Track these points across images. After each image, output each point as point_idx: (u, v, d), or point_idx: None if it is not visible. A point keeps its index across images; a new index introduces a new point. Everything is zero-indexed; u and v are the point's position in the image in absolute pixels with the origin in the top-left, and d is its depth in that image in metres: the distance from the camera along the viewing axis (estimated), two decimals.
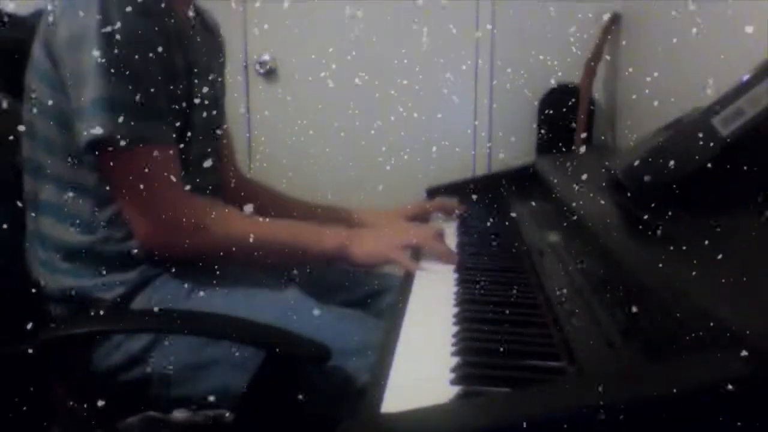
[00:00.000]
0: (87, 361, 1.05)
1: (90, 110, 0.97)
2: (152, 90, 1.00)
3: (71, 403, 1.06)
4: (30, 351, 0.94)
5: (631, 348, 0.64)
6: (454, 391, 0.64)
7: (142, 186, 1.01)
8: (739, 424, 0.44)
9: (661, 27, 1.74)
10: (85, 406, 1.07)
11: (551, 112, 2.25)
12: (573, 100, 2.15)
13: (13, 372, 0.95)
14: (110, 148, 0.99)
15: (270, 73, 2.46)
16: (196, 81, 1.12)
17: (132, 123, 0.98)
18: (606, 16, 2.15)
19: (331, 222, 1.39)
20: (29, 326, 0.97)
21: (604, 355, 0.65)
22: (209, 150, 1.20)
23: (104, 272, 1.05)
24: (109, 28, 0.96)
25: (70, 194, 1.05)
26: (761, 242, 0.71)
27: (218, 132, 1.26)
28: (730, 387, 0.44)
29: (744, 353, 0.45)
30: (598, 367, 0.64)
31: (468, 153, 2.43)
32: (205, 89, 1.16)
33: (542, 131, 2.28)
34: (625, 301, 0.71)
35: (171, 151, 1.05)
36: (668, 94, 1.47)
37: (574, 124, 2.12)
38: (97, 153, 1.01)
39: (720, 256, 0.67)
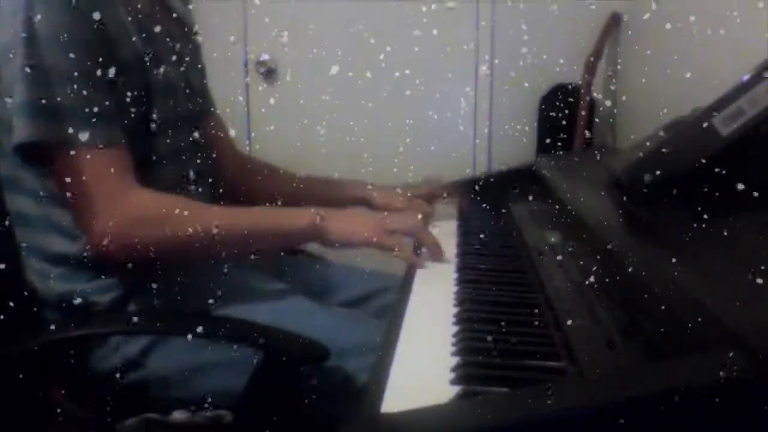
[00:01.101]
0: (85, 364, 1.04)
1: (16, 116, 0.95)
2: (84, 91, 0.96)
3: (69, 406, 1.06)
4: (27, 354, 0.94)
5: (631, 348, 0.64)
6: (454, 391, 0.64)
7: (81, 190, 0.98)
8: (739, 424, 0.44)
9: (661, 27, 1.73)
10: (84, 409, 1.07)
11: (551, 111, 2.25)
12: (573, 99, 2.15)
13: (11, 376, 0.95)
14: (39, 154, 0.98)
15: (270, 73, 2.46)
16: (155, 71, 1.08)
17: (60, 126, 0.95)
18: (606, 16, 2.15)
19: (336, 195, 1.38)
20: (27, 330, 0.97)
21: (604, 355, 0.65)
22: (189, 138, 1.16)
23: (97, 276, 1.04)
24: (33, 32, 0.94)
25: (47, 205, 1.03)
26: (761, 242, 0.71)
27: (199, 118, 1.23)
28: (730, 387, 0.44)
29: (744, 353, 0.45)
30: (598, 367, 0.64)
31: (468, 153, 2.43)
32: (170, 78, 1.12)
33: (542, 131, 2.29)
34: (625, 300, 0.71)
35: (112, 150, 1.00)
36: (668, 94, 1.47)
37: (574, 124, 2.12)
38: (31, 159, 0.99)
39: (720, 256, 0.67)
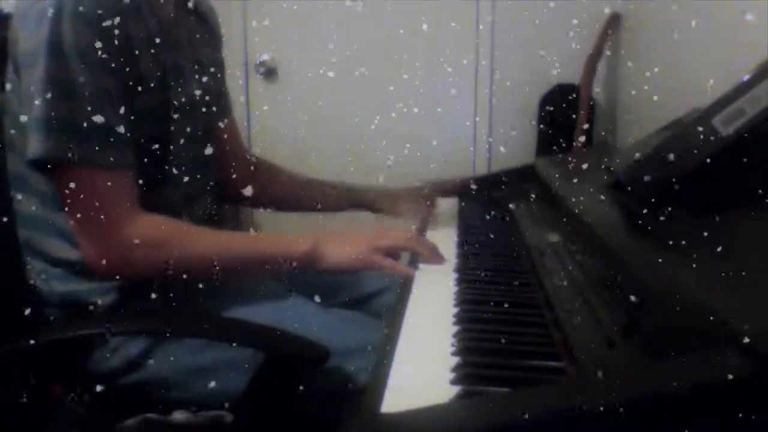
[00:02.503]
0: (85, 364, 1.04)
1: (31, 129, 0.94)
2: (102, 110, 0.95)
3: (70, 406, 1.06)
4: (28, 354, 0.94)
5: (631, 347, 0.64)
6: (454, 391, 0.64)
7: (84, 208, 0.97)
8: (739, 423, 0.44)
9: (661, 26, 1.74)
10: (84, 409, 1.07)
11: (551, 111, 2.25)
12: (573, 99, 2.15)
13: (11, 375, 0.95)
14: (49, 169, 0.97)
15: (270, 73, 2.46)
16: (177, 86, 1.08)
17: (72, 144, 0.95)
18: (606, 16, 2.15)
19: (340, 200, 1.41)
20: (28, 330, 0.97)
21: (604, 355, 0.65)
22: (204, 149, 1.16)
23: (98, 279, 1.03)
24: (58, 45, 0.93)
25: (52, 208, 1.03)
26: (761, 241, 0.71)
27: (215, 127, 1.23)
28: (730, 386, 0.44)
29: (744, 353, 0.45)
30: (598, 367, 0.64)
31: (468, 152, 2.43)
32: (190, 91, 1.12)
33: (542, 130, 2.29)
34: (625, 300, 0.71)
35: (120, 173, 0.99)
36: (668, 93, 1.47)
37: (574, 123, 2.12)
38: (41, 173, 0.98)
39: (720, 256, 0.67)
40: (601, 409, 0.45)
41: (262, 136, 2.44)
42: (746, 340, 0.46)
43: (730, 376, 0.44)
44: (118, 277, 1.03)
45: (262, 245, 1.11)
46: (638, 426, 0.45)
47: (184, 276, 1.01)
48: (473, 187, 1.50)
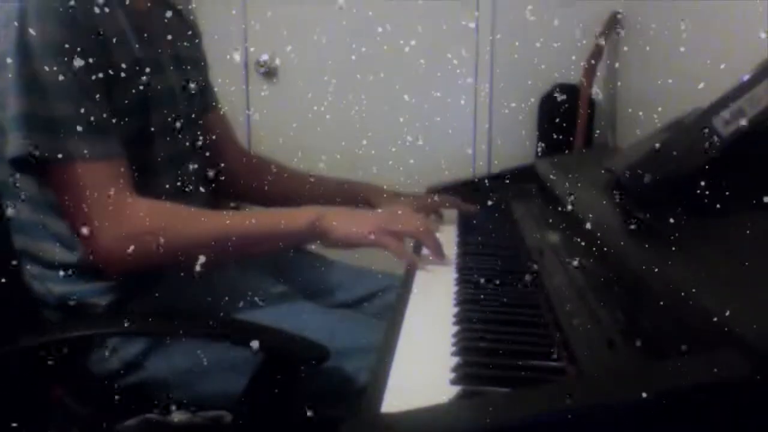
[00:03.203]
0: (84, 365, 1.04)
1: (11, 129, 0.94)
2: (79, 102, 0.95)
3: (69, 406, 1.06)
4: (27, 355, 0.94)
5: (631, 348, 0.64)
6: (454, 391, 0.64)
7: (78, 203, 0.96)
8: (739, 424, 0.44)
9: (661, 26, 1.73)
10: (84, 409, 1.07)
11: (551, 112, 2.25)
12: (573, 99, 2.15)
13: (11, 376, 0.95)
14: (35, 167, 0.96)
15: (270, 73, 2.46)
16: (153, 77, 1.06)
17: (53, 140, 0.94)
18: (606, 16, 2.15)
19: (344, 197, 1.36)
20: (26, 331, 0.97)
21: (604, 355, 0.65)
22: (189, 140, 1.16)
23: (96, 279, 1.03)
24: (26, 43, 0.92)
25: (44, 213, 1.02)
26: (761, 242, 0.71)
27: (199, 119, 1.22)
28: (730, 387, 0.44)
29: (743, 353, 0.45)
30: (598, 367, 0.64)
31: (468, 153, 2.43)
32: (168, 82, 1.11)
33: (542, 131, 2.29)
34: (625, 300, 0.71)
35: (108, 162, 0.98)
36: (668, 94, 1.47)
37: (574, 123, 2.11)
38: (27, 171, 0.97)
39: (720, 256, 0.67)
40: (601, 409, 0.45)
41: (262, 135, 2.44)
42: (746, 340, 0.46)
43: (730, 376, 0.44)
44: (127, 267, 1.01)
45: (266, 219, 1.08)
46: (638, 426, 0.45)
47: (191, 259, 1.00)
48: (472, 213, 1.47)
